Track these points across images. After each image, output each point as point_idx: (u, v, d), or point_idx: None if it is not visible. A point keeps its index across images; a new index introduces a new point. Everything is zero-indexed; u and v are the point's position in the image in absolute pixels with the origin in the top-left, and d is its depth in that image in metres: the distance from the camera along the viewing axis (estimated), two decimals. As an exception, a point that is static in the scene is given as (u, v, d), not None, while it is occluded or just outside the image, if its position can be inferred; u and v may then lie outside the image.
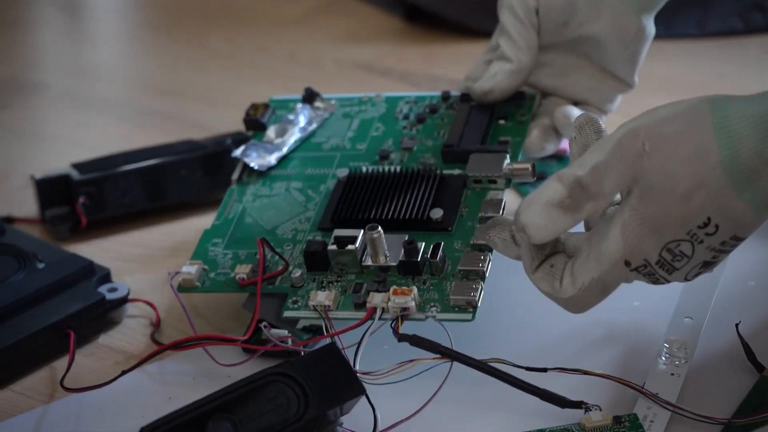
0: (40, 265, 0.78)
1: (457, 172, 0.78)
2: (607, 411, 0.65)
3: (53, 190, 0.90)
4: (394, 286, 0.70)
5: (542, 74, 0.83)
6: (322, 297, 0.71)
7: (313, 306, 0.71)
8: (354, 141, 0.84)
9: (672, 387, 0.66)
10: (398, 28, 1.30)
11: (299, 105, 0.87)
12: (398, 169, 0.78)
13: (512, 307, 0.77)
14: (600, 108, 0.84)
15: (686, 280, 0.63)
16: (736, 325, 0.70)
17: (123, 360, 0.74)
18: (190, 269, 0.75)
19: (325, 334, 0.70)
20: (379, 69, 1.19)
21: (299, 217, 0.78)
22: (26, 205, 0.93)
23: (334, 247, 0.72)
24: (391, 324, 0.69)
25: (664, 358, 0.68)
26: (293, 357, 0.70)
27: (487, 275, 0.71)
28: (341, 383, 0.62)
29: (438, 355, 0.67)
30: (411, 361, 0.67)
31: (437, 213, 0.74)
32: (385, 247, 0.72)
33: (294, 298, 0.72)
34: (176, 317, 0.78)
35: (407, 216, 0.74)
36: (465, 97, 0.83)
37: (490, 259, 0.71)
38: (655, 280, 0.63)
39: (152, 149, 0.94)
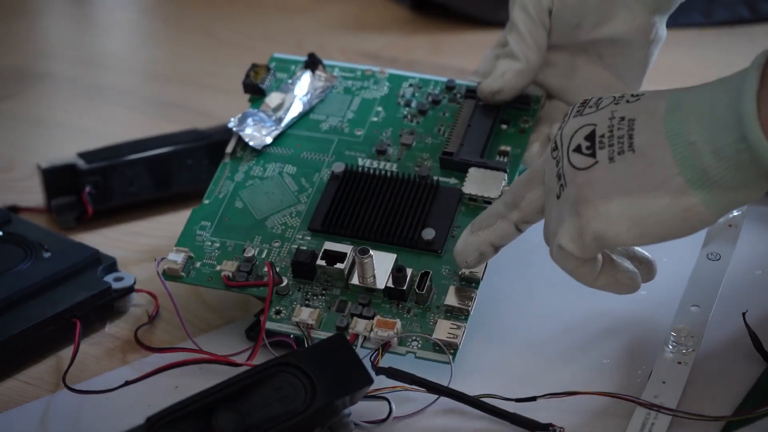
0: (46, 255, 0.78)
1: (453, 181, 0.77)
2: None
3: (59, 180, 0.90)
4: (378, 317, 0.70)
5: (549, 74, 0.81)
6: (305, 315, 0.70)
7: (296, 322, 0.71)
8: (352, 125, 0.82)
9: (679, 375, 0.66)
10: (405, 17, 1.30)
11: (299, 70, 0.85)
12: (395, 170, 0.77)
13: (518, 295, 0.77)
14: None
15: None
16: (743, 314, 0.69)
17: (129, 349, 0.74)
18: (176, 257, 0.75)
19: None
20: (385, 58, 1.18)
21: (290, 210, 0.77)
22: (32, 194, 0.93)
23: (323, 262, 0.72)
24: (371, 357, 0.68)
25: (671, 347, 0.68)
26: (300, 347, 0.70)
27: (471, 313, 0.70)
28: (349, 373, 0.62)
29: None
30: (393, 387, 0.67)
31: (429, 234, 0.73)
32: (374, 270, 0.71)
33: (277, 308, 0.72)
34: (183, 306, 0.77)
35: (399, 233, 0.74)
36: (471, 93, 0.81)
37: (475, 297, 0.71)
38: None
39: (158, 138, 0.93)
